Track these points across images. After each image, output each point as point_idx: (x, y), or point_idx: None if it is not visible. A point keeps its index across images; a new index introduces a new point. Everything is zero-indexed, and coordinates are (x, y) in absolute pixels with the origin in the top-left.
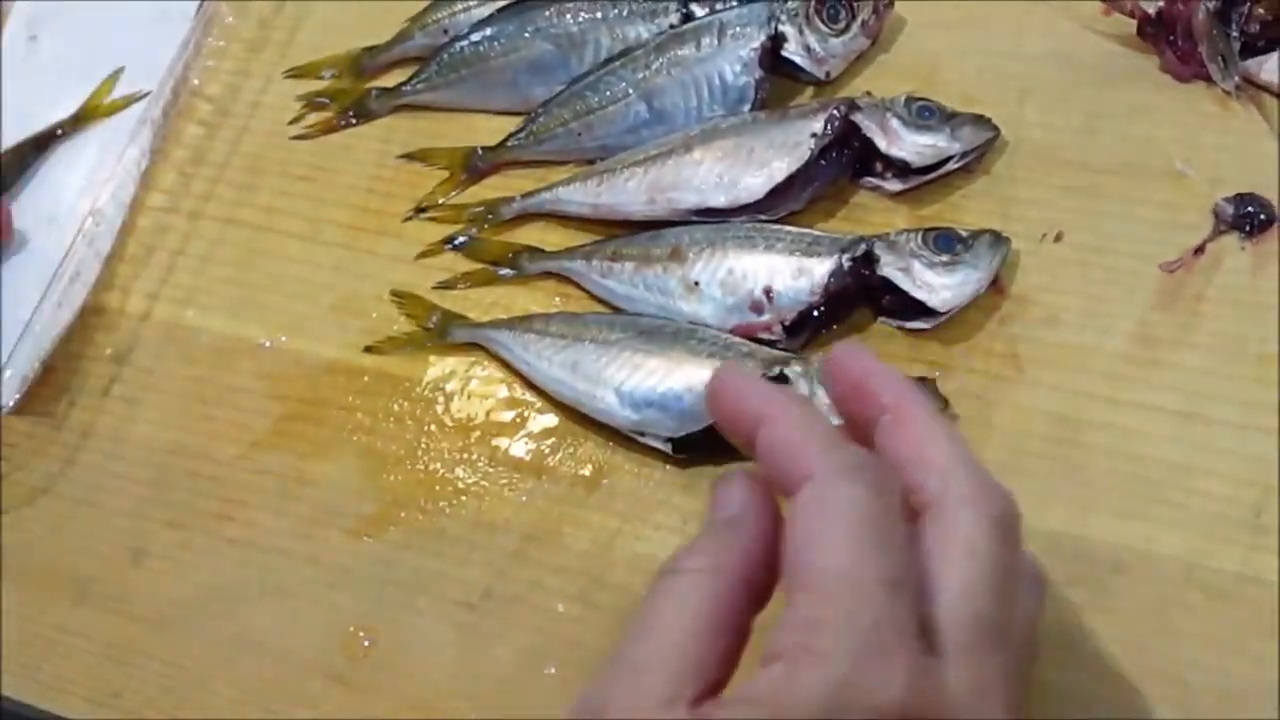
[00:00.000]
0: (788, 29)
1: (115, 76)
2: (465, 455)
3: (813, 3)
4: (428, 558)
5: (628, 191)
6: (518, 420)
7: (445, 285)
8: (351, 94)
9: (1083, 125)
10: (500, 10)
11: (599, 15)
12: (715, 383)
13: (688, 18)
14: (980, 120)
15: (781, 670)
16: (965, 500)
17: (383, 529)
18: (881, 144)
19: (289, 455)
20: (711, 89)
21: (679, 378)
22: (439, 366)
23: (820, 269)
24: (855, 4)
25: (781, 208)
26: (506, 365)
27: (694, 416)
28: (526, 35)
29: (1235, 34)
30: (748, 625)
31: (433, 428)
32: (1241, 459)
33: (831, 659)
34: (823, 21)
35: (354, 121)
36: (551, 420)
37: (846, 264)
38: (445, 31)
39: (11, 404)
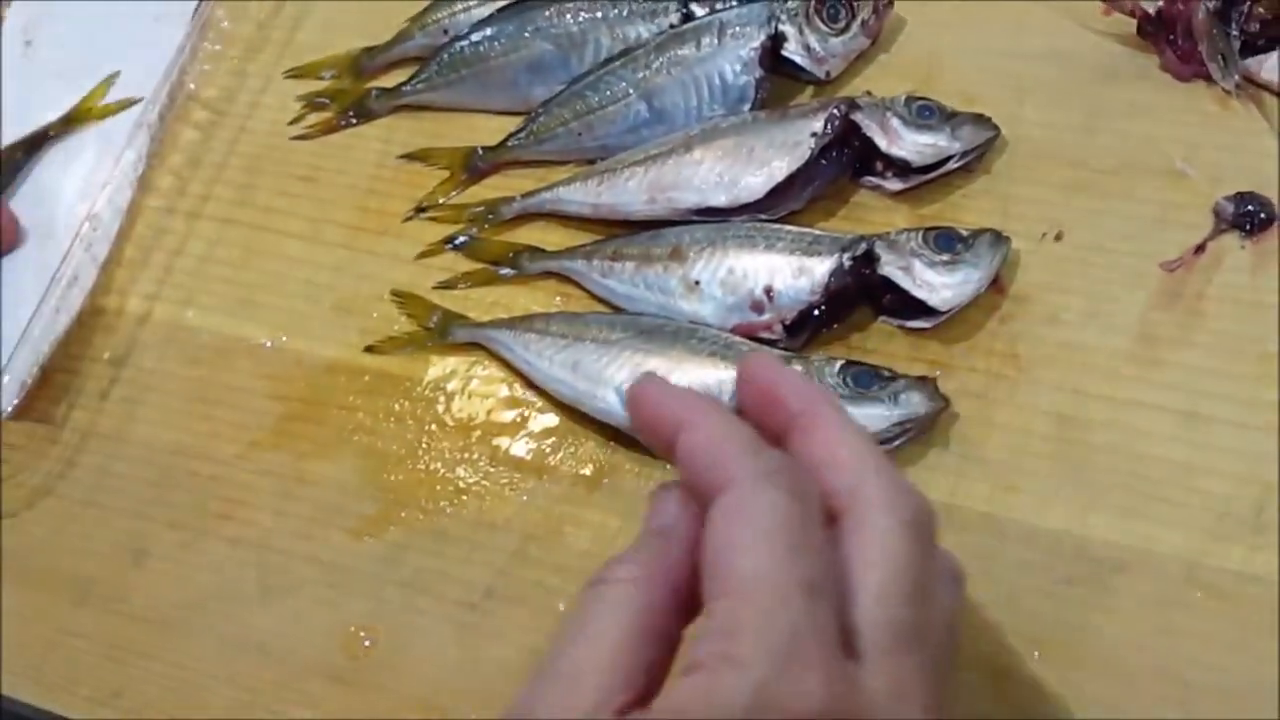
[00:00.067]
0: (788, 28)
1: (110, 80)
2: (466, 455)
3: (813, 2)
4: (428, 557)
5: (628, 191)
6: (519, 420)
7: (446, 285)
8: (352, 94)
9: (1083, 124)
10: (500, 10)
11: (599, 15)
12: (634, 390)
13: (688, 17)
14: (980, 119)
15: (701, 679)
16: (878, 504)
17: (383, 529)
18: (882, 143)
19: (290, 455)
20: (712, 88)
21: (679, 377)
22: (440, 366)
23: (821, 268)
24: (855, 3)
25: (782, 207)
26: (507, 365)
27: None
28: (527, 35)
29: (1235, 33)
30: (677, 634)
31: (433, 427)
32: (1242, 457)
33: (750, 665)
34: (823, 21)
35: (354, 121)
36: (552, 420)
37: (847, 263)
38: (445, 31)
39: (10, 409)
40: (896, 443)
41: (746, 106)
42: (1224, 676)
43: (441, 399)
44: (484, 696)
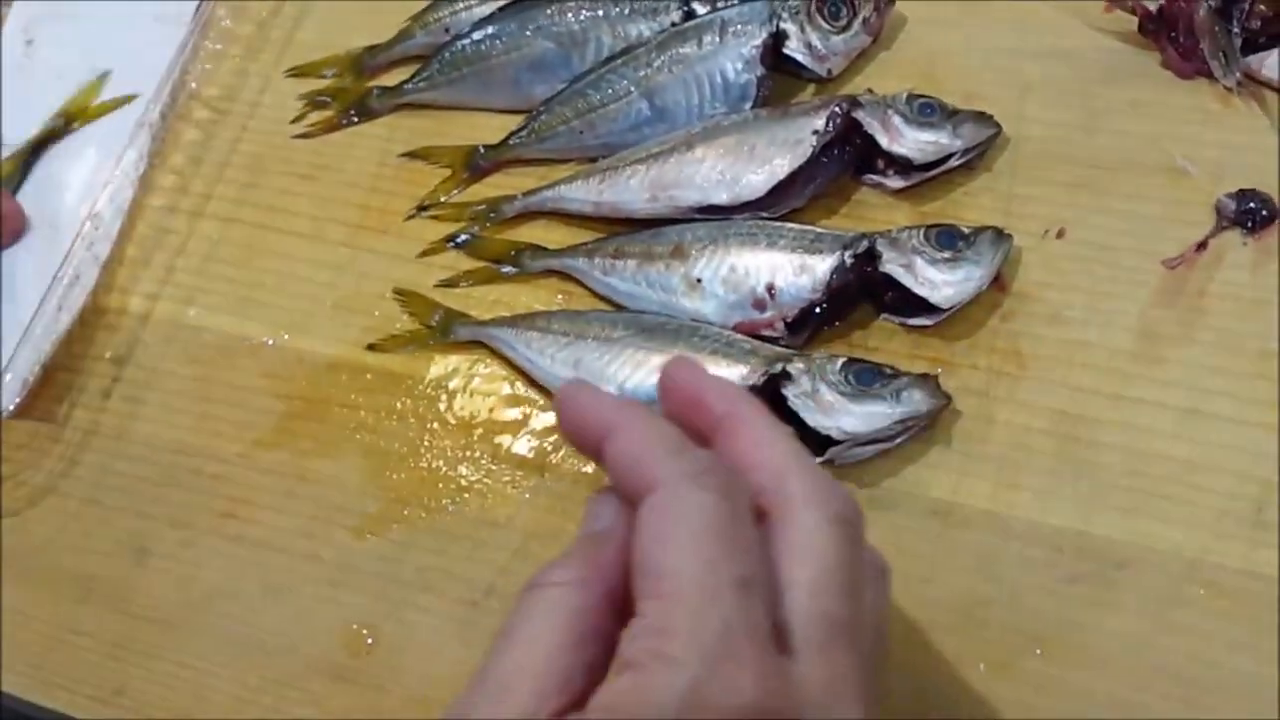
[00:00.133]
0: (789, 26)
1: (102, 79)
2: (468, 453)
3: (814, 0)
4: (431, 555)
5: (630, 189)
6: (521, 418)
7: (448, 283)
8: (353, 93)
9: (1084, 122)
10: (501, 8)
11: (600, 13)
12: (561, 397)
13: (689, 15)
14: (982, 117)
15: (634, 678)
16: (804, 501)
17: (386, 527)
18: (883, 141)
19: (292, 454)
20: (713, 86)
21: None
22: (441, 364)
23: (822, 266)
24: (856, 1)
25: (783, 205)
26: (509, 363)
27: None
28: (528, 33)
29: (1236, 30)
30: (614, 637)
31: (435, 426)
32: (1243, 455)
33: (682, 663)
34: (824, 19)
35: (356, 120)
36: (554, 418)
37: (849, 261)
38: (447, 30)
39: (12, 407)
40: (898, 440)
41: (748, 104)
42: (1225, 673)
43: (443, 397)
44: None
